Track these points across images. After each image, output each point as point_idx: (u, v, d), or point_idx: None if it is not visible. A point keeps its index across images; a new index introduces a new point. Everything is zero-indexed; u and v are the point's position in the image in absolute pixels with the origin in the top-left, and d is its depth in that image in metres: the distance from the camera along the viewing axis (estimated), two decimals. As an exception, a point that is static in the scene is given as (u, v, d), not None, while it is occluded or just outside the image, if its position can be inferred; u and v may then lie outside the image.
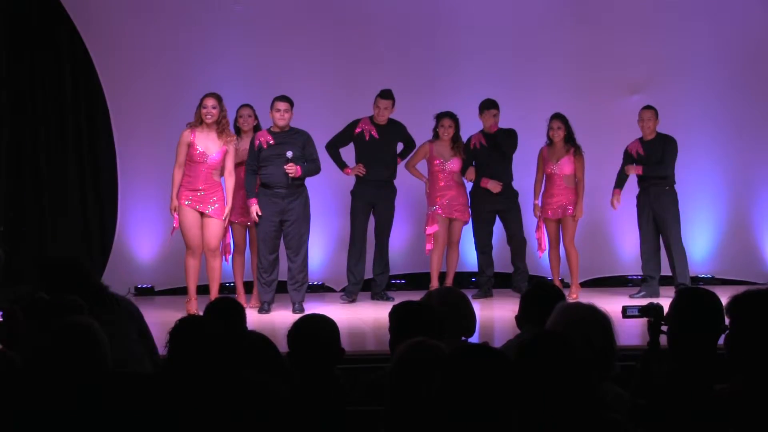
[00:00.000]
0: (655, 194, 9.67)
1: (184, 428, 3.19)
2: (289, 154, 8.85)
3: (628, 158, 9.82)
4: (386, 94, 9.64)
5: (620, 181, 9.89)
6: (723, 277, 10.59)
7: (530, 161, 9.94)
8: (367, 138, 9.71)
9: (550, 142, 9.76)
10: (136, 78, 10.44)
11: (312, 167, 9.05)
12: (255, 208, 8.96)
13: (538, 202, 9.85)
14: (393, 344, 4.17)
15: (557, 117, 9.71)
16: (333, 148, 9.75)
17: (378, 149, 9.69)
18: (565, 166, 9.71)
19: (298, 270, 9.07)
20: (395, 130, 9.81)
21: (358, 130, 9.74)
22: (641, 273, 10.18)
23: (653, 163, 9.67)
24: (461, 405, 2.94)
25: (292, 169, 8.85)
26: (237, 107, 9.42)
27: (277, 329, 7.53)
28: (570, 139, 9.72)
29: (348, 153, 9.86)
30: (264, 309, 9.05)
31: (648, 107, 9.73)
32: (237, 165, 8.99)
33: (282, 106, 8.93)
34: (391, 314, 4.35)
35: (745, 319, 3.33)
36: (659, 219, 9.69)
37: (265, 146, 8.94)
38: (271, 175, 8.93)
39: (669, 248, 9.71)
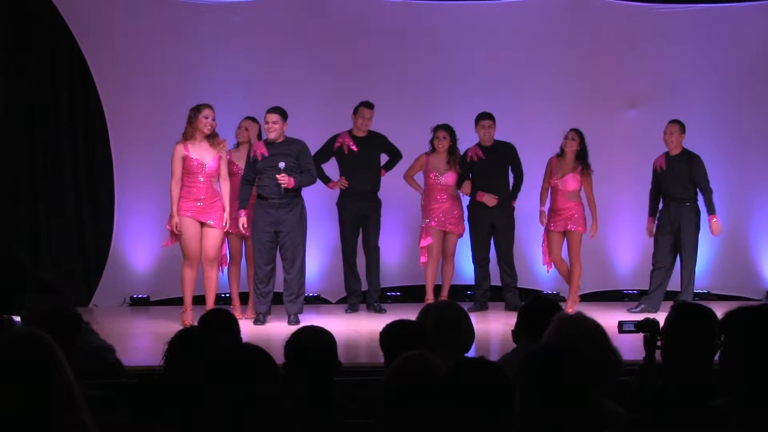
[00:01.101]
0: (676, 210, 9.62)
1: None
2: (282, 165, 8.83)
3: (655, 173, 9.76)
4: (370, 105, 9.70)
5: (652, 208, 9.83)
6: (719, 293, 10.60)
7: (528, 174, 9.93)
8: (346, 152, 9.74)
9: (561, 153, 9.73)
10: (133, 89, 10.45)
11: (307, 177, 9.02)
12: (242, 220, 8.96)
13: (545, 209, 9.83)
14: (388, 363, 4.14)
15: (574, 130, 9.69)
16: (315, 164, 9.75)
17: (359, 162, 9.72)
18: (569, 183, 9.67)
19: (293, 281, 9.05)
20: (376, 142, 9.83)
21: (337, 144, 9.79)
22: (638, 288, 10.18)
23: (676, 178, 9.60)
24: (460, 419, 2.94)
25: (284, 180, 8.83)
26: (237, 119, 9.43)
27: (273, 341, 7.51)
28: (581, 157, 9.68)
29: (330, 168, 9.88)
30: (260, 320, 9.03)
31: (673, 121, 9.65)
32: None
33: (270, 118, 8.89)
34: (381, 335, 4.33)
35: (738, 336, 3.32)
36: (678, 235, 9.62)
37: (260, 158, 8.93)
38: (266, 187, 8.93)
39: (683, 264, 9.65)
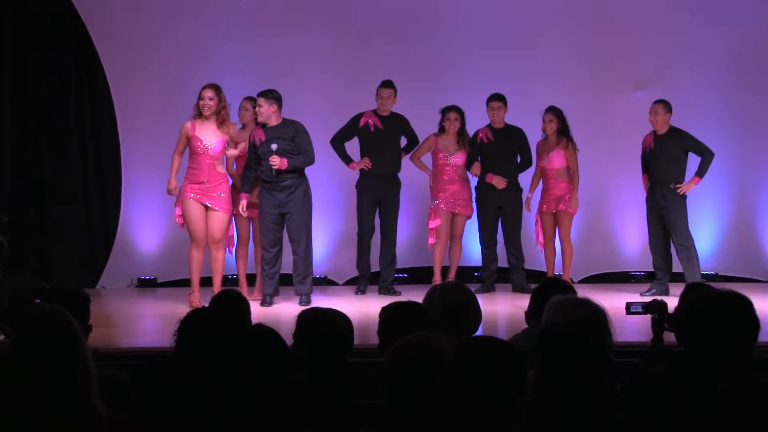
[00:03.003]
0: (661, 192, 9.52)
1: (192, 419, 3.19)
2: (273, 147, 8.80)
3: (643, 151, 9.67)
4: (387, 84, 9.67)
5: (645, 167, 9.74)
6: (726, 274, 10.58)
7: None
8: (372, 129, 9.70)
9: (545, 135, 9.75)
10: (140, 69, 10.45)
11: (302, 158, 8.93)
12: (243, 203, 8.97)
13: (531, 195, 9.84)
14: (383, 346, 4.12)
15: (550, 110, 9.69)
16: (338, 143, 9.74)
17: (383, 141, 9.68)
18: (554, 160, 9.68)
19: (299, 262, 9.05)
20: (399, 123, 9.81)
21: (362, 123, 9.73)
22: (645, 269, 10.15)
23: (663, 158, 9.50)
24: (469, 396, 2.94)
25: (276, 162, 8.80)
26: (240, 100, 9.40)
27: (282, 322, 7.52)
28: (563, 133, 9.68)
29: (351, 148, 9.85)
30: (266, 302, 9.03)
31: (657, 101, 9.58)
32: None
33: (258, 101, 8.89)
34: (381, 315, 4.30)
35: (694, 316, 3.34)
36: (665, 217, 9.53)
37: (258, 143, 8.93)
38: (264, 170, 8.93)
39: (677, 249, 9.55)
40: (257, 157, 8.93)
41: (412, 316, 4.19)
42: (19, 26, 10.38)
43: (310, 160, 9.04)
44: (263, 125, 8.95)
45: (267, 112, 8.86)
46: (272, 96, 8.87)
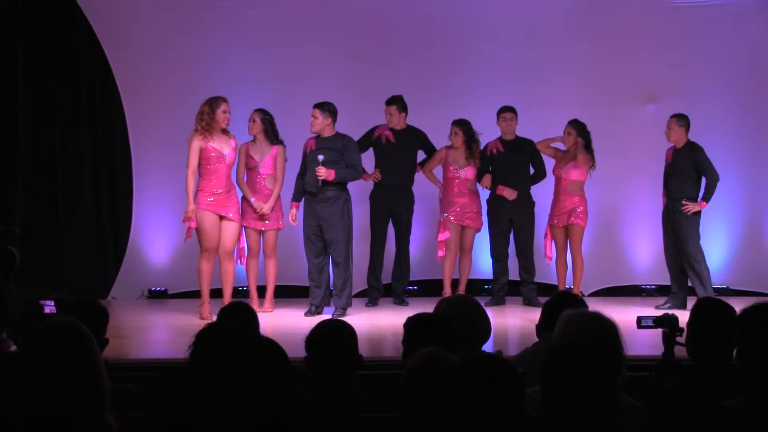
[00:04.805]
0: (673, 208, 9.48)
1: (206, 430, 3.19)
2: (320, 158, 8.88)
3: (665, 164, 9.63)
4: (389, 101, 9.75)
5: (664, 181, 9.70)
6: (737, 288, 10.54)
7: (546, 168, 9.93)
8: (384, 142, 9.75)
9: (566, 147, 9.76)
10: (151, 81, 10.49)
11: (349, 172, 9.02)
12: (292, 212, 9.13)
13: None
14: (406, 356, 4.14)
15: (570, 123, 9.69)
16: None
17: (395, 154, 9.72)
18: (572, 172, 9.68)
19: (337, 276, 9.08)
20: (414, 137, 9.85)
21: (375, 135, 9.79)
22: (656, 283, 10.12)
23: (676, 172, 9.45)
24: (471, 414, 2.94)
25: (322, 172, 8.86)
26: (249, 110, 9.41)
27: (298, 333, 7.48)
28: (585, 147, 9.67)
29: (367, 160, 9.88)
30: (310, 311, 9.06)
31: (673, 115, 9.52)
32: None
33: (313, 112, 9.01)
34: (405, 326, 4.32)
35: (754, 333, 3.29)
36: (675, 231, 9.47)
37: (307, 151, 9.03)
38: (308, 180, 9.01)
39: (687, 265, 9.44)
40: (306, 166, 9.03)
41: (433, 328, 4.20)
42: (31, 38, 10.42)
43: (358, 175, 9.14)
44: (317, 136, 9.04)
45: (321, 123, 8.98)
46: (328, 109, 9.00)
